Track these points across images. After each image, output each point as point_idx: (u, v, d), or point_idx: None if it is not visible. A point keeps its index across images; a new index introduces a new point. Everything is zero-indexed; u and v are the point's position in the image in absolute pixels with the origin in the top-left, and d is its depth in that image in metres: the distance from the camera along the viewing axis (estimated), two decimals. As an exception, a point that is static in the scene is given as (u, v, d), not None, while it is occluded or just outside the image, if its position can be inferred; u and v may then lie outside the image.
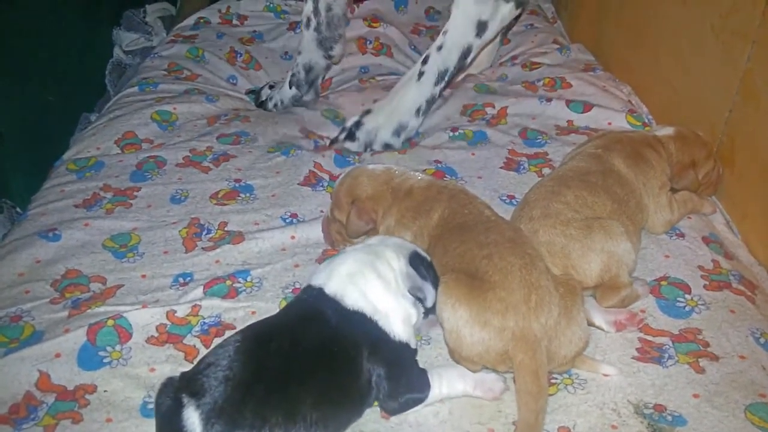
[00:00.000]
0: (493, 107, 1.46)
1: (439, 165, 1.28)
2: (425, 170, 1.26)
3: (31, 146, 1.45)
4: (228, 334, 0.94)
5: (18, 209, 1.35)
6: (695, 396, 0.84)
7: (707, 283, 1.01)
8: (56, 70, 1.60)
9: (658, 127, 1.22)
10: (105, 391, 0.88)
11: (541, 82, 1.52)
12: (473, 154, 1.31)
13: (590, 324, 0.93)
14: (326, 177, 1.27)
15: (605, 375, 0.87)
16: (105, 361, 0.91)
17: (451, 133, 1.38)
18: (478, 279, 0.85)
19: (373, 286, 0.85)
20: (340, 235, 1.06)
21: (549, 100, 1.44)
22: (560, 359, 0.84)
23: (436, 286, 0.88)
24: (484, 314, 0.82)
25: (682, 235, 1.10)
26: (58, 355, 0.91)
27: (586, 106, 1.40)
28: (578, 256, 0.94)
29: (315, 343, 0.80)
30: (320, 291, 0.85)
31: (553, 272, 0.90)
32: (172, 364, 0.91)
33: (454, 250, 0.90)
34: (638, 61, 1.51)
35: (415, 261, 0.89)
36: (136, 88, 1.58)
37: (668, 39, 1.44)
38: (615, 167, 1.08)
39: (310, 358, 0.78)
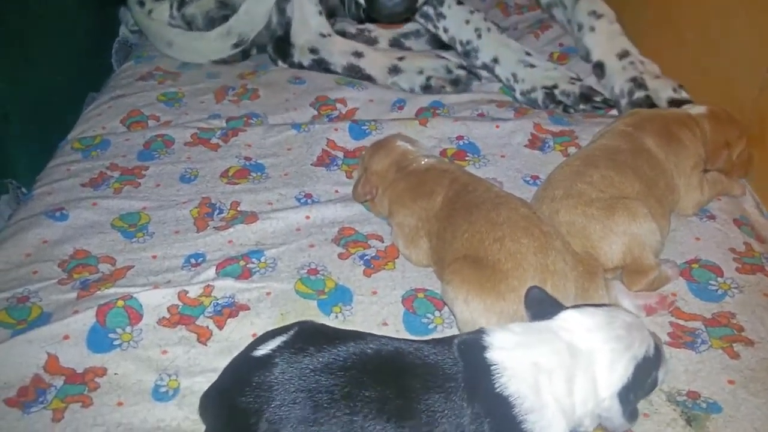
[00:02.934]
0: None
1: (461, 142, 1.24)
2: (446, 149, 1.22)
3: (36, 126, 1.41)
4: (242, 315, 0.92)
5: (23, 189, 1.32)
6: (730, 382, 0.81)
7: (739, 266, 0.97)
8: (62, 50, 1.55)
9: (690, 105, 1.17)
10: (115, 374, 0.84)
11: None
12: (497, 126, 1.26)
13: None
14: (341, 155, 1.23)
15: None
16: (115, 343, 0.88)
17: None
18: (489, 267, 0.81)
19: (549, 400, 0.66)
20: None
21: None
22: None
23: (634, 417, 0.71)
24: (499, 305, 0.80)
25: (713, 217, 1.06)
26: (66, 337, 0.87)
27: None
28: (599, 238, 0.90)
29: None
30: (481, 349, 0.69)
31: (572, 251, 0.86)
32: (185, 346, 0.88)
33: (462, 234, 0.87)
34: (664, 41, 1.45)
35: (629, 390, 0.69)
36: (132, 62, 1.56)
37: (695, 17, 1.39)
38: (645, 146, 1.04)
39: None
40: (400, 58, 1.45)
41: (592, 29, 1.44)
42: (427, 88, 1.41)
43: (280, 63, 1.54)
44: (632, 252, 0.90)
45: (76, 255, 1.02)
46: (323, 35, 1.50)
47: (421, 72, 1.43)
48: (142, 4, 1.62)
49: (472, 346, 0.69)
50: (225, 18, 1.59)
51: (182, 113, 1.38)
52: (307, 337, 0.71)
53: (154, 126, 1.33)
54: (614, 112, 1.32)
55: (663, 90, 1.29)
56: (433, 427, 0.65)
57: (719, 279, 0.95)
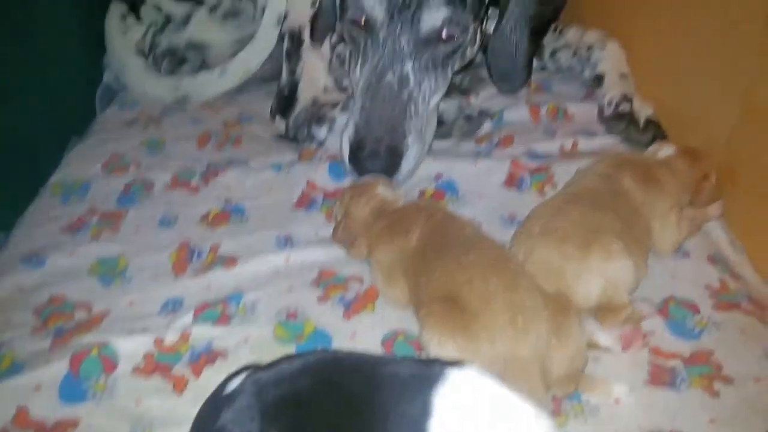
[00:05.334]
0: (500, 131, 1.42)
1: (440, 181, 1.24)
2: (425, 189, 1.23)
3: (17, 170, 1.41)
4: (219, 362, 0.90)
5: (2, 233, 1.31)
6: (712, 421, 0.80)
7: (716, 302, 0.98)
8: (44, 94, 1.56)
9: (656, 148, 1.18)
10: (88, 426, 0.83)
11: (545, 108, 1.48)
12: (475, 164, 1.27)
13: (597, 346, 0.89)
14: (320, 196, 1.23)
15: (616, 401, 0.83)
16: (89, 393, 0.86)
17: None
18: (460, 308, 0.82)
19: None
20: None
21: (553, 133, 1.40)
22: (558, 378, 0.80)
23: None
24: (472, 345, 0.79)
25: (687, 255, 1.07)
26: (38, 388, 0.86)
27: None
28: (574, 277, 0.90)
29: None
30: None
31: (543, 290, 0.86)
32: (160, 396, 0.86)
33: (437, 277, 0.87)
34: (639, 84, 1.49)
35: None
36: (116, 107, 1.58)
37: (670, 55, 1.42)
38: (624, 188, 1.05)
39: None
40: None
41: (603, 47, 1.52)
42: (438, 124, 1.38)
43: (277, 120, 1.51)
44: (607, 292, 0.90)
45: (52, 302, 1.01)
46: (327, 90, 1.51)
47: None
48: (124, 18, 1.65)
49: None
50: (182, 62, 1.65)
51: (164, 158, 1.38)
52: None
53: (135, 170, 1.33)
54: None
55: (644, 110, 1.36)
56: None
57: (696, 316, 0.95)
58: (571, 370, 0.81)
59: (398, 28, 1.19)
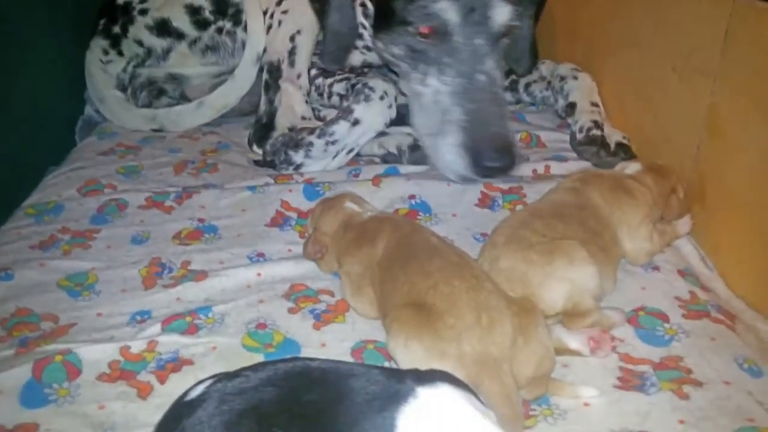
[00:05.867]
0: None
1: (413, 201, 1.26)
2: (399, 209, 1.24)
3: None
4: (185, 369, 0.89)
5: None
6: (681, 422, 0.80)
7: (685, 312, 0.98)
8: (24, 123, 1.57)
9: (623, 165, 1.21)
10: (48, 430, 0.80)
11: (519, 135, 1.51)
12: (449, 185, 1.29)
13: (566, 350, 0.89)
14: (294, 216, 1.24)
15: (586, 404, 0.83)
16: (51, 398, 0.84)
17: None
18: (425, 311, 0.82)
19: None
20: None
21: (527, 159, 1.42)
22: (525, 379, 0.79)
23: None
24: (438, 345, 0.79)
25: (658, 269, 1.08)
26: (-1, 393, 0.84)
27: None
28: (539, 284, 0.91)
29: None
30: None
31: (507, 294, 0.87)
32: (123, 401, 0.84)
33: (401, 286, 0.87)
34: (609, 111, 1.54)
35: None
36: (94, 137, 1.60)
37: (634, 85, 1.47)
38: (592, 201, 1.07)
39: None
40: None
41: (575, 78, 1.57)
42: (414, 149, 1.43)
43: (254, 148, 1.54)
44: (572, 297, 0.90)
45: (18, 313, 1.00)
46: (305, 118, 1.54)
47: (409, 134, 1.46)
48: (106, 52, 1.69)
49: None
50: (161, 93, 1.70)
51: (140, 182, 1.39)
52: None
53: (110, 193, 1.33)
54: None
55: (614, 135, 1.41)
56: None
57: (666, 325, 0.96)
58: (540, 372, 0.81)
59: (472, 30, 1.22)
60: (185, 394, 0.70)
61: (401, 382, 0.67)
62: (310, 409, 0.65)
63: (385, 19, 1.30)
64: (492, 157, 1.20)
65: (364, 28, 1.56)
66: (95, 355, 0.90)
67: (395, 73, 1.44)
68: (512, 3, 1.24)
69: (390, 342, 0.83)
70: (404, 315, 0.83)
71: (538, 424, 0.80)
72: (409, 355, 0.80)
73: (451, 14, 1.21)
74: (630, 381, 0.86)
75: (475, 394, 0.70)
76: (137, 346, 0.92)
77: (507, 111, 1.26)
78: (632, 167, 1.17)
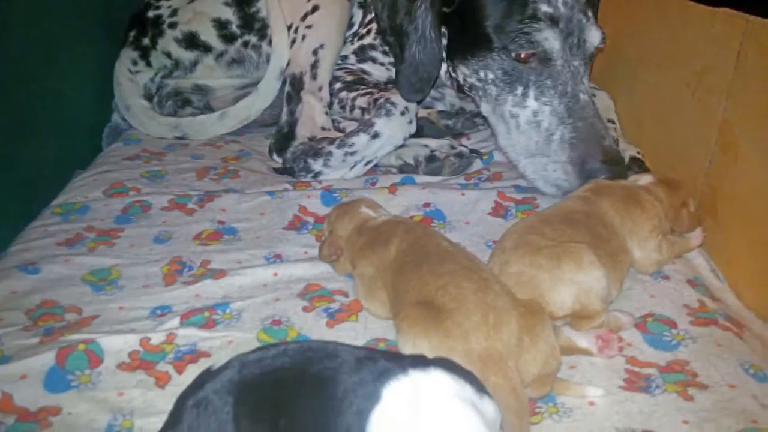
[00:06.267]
0: (489, 170, 1.49)
1: (428, 209, 1.29)
2: (413, 216, 1.26)
3: (21, 197, 1.45)
4: (202, 361, 0.92)
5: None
6: (685, 422, 0.81)
7: (693, 319, 1.00)
8: (54, 129, 1.63)
9: (636, 177, 1.23)
10: (69, 413, 0.84)
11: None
12: (463, 194, 1.32)
13: (575, 349, 0.91)
14: (311, 220, 1.27)
15: (591, 403, 0.84)
16: (72, 384, 0.88)
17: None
18: (434, 310, 0.84)
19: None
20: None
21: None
22: (530, 377, 0.81)
23: None
24: (446, 342, 0.81)
25: (667, 278, 1.10)
26: (24, 377, 0.88)
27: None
28: (548, 288, 0.93)
29: None
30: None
31: (514, 295, 0.89)
32: (142, 389, 0.88)
33: (413, 288, 0.90)
34: (625, 127, 1.56)
35: None
36: (120, 143, 1.65)
37: (649, 103, 1.50)
38: (602, 210, 1.08)
39: None
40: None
41: (594, 96, 1.57)
42: (431, 159, 1.47)
43: (275, 156, 1.58)
44: (580, 300, 0.92)
45: (44, 305, 1.04)
46: (324, 129, 1.57)
47: (426, 146, 1.50)
48: (135, 63, 1.76)
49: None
50: (187, 103, 1.75)
51: (163, 186, 1.43)
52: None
53: (134, 195, 1.38)
54: None
55: (629, 150, 1.43)
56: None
57: (673, 331, 0.97)
58: (545, 370, 0.82)
59: (571, 53, 1.29)
60: (209, 367, 0.74)
61: (398, 363, 0.70)
62: (316, 377, 0.69)
63: (475, 46, 1.35)
64: (604, 170, 1.25)
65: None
66: (116, 345, 0.94)
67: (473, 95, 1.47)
68: (599, 27, 1.32)
69: (400, 339, 0.85)
70: (414, 313, 0.85)
71: (543, 421, 0.82)
72: (416, 351, 0.82)
73: (553, 42, 1.28)
74: (636, 382, 0.87)
75: (478, 383, 0.72)
76: (157, 338, 0.95)
77: (607, 127, 1.32)
78: (644, 179, 1.19)
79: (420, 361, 0.72)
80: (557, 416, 0.83)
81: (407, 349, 0.83)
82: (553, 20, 1.26)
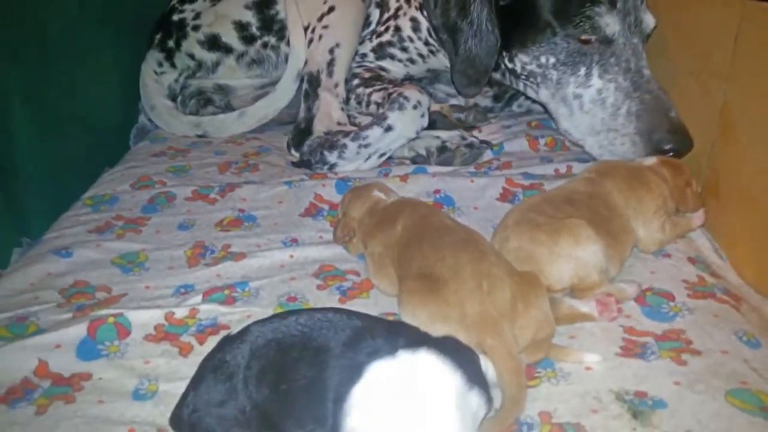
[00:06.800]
0: (499, 160, 1.54)
1: (438, 195, 1.34)
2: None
3: (53, 191, 1.53)
4: (222, 333, 0.97)
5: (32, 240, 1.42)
6: (676, 383, 0.85)
7: (691, 293, 1.03)
8: (86, 127, 1.71)
9: (640, 159, 1.27)
10: (100, 378, 0.91)
11: (543, 140, 1.59)
12: (472, 181, 1.37)
13: (577, 315, 0.95)
14: (326, 207, 1.33)
15: (588, 368, 0.89)
16: (103, 353, 0.95)
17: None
18: (432, 280, 0.89)
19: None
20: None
21: (550, 160, 1.51)
22: (525, 342, 0.86)
23: None
24: (442, 309, 0.86)
25: (669, 256, 1.13)
26: (58, 346, 0.95)
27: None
28: (546, 262, 0.97)
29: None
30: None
31: (511, 266, 0.94)
32: (167, 358, 0.94)
33: (415, 261, 0.95)
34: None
35: None
36: (147, 142, 1.74)
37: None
38: (605, 190, 1.12)
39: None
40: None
41: None
42: (442, 150, 1.53)
43: (293, 151, 1.64)
44: (577, 273, 0.96)
45: (76, 284, 1.11)
46: (340, 124, 1.64)
47: (437, 137, 1.56)
48: (160, 64, 1.84)
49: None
50: (209, 102, 1.83)
51: (187, 180, 1.51)
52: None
53: (160, 187, 1.45)
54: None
55: None
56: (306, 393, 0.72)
57: (671, 303, 1.01)
58: (539, 336, 0.87)
59: (630, 31, 1.35)
60: (229, 332, 0.82)
61: (391, 343, 0.74)
62: (316, 348, 0.75)
63: (535, 33, 1.40)
64: (671, 140, 1.31)
65: (411, 41, 1.71)
66: (143, 318, 1.00)
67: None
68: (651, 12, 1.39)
69: (401, 311, 0.91)
70: (413, 285, 0.91)
71: (541, 384, 0.86)
72: (416, 321, 0.87)
73: (614, 24, 1.33)
74: (632, 349, 0.91)
75: (474, 370, 0.76)
76: (180, 313, 1.02)
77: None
78: (649, 160, 1.22)
79: (415, 342, 0.75)
80: (555, 380, 0.87)
81: (407, 319, 0.89)
82: (611, 2, 1.32)
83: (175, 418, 0.77)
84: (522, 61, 1.46)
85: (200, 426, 0.73)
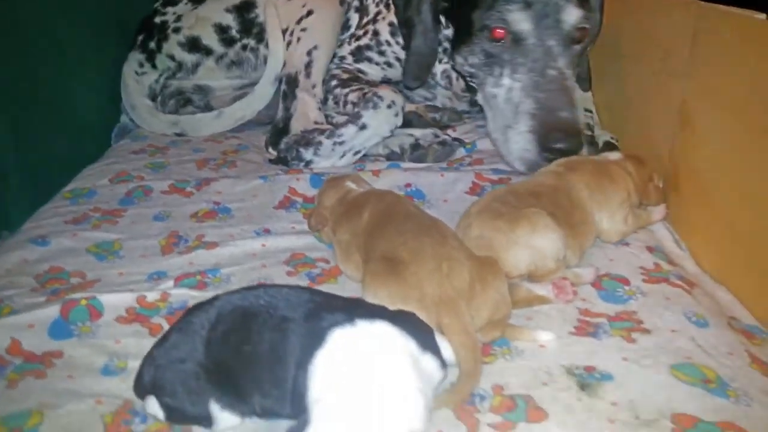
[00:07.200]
0: (471, 157, 1.58)
1: (409, 189, 1.38)
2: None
3: (33, 186, 1.56)
4: (192, 316, 1.01)
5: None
6: (624, 359, 0.89)
7: (646, 278, 1.07)
8: (65, 125, 1.74)
9: (605, 154, 1.31)
10: (71, 356, 0.93)
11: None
12: (442, 175, 1.42)
13: (534, 298, 0.99)
14: (300, 200, 1.37)
15: (541, 346, 0.92)
16: (74, 333, 0.97)
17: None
18: (394, 262, 0.93)
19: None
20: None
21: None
22: (482, 321, 0.90)
23: None
24: (402, 290, 0.90)
25: (627, 245, 1.17)
26: (31, 326, 0.97)
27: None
28: (504, 249, 1.01)
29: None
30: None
31: (470, 251, 0.97)
32: (137, 338, 0.97)
33: (379, 246, 0.99)
34: (599, 116, 1.65)
35: None
36: (128, 140, 1.78)
37: (621, 92, 1.59)
38: (570, 184, 1.16)
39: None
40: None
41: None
42: (416, 147, 1.57)
43: (270, 150, 1.67)
44: (534, 261, 1.01)
45: (51, 271, 1.14)
46: (317, 123, 1.67)
47: (411, 135, 1.60)
48: (141, 65, 1.89)
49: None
50: (188, 102, 1.88)
51: (165, 174, 1.54)
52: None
53: (138, 182, 1.48)
54: None
55: (603, 136, 1.53)
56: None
57: (626, 287, 1.05)
58: (496, 316, 0.91)
59: (545, 33, 1.37)
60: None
61: (350, 313, 0.78)
62: (281, 318, 0.78)
63: (466, 32, 1.44)
64: (559, 139, 1.32)
65: (389, 45, 1.77)
66: (115, 301, 1.03)
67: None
68: (582, 8, 1.38)
69: (364, 291, 0.95)
70: (376, 267, 0.95)
71: (496, 361, 0.90)
72: (377, 301, 0.90)
73: (523, 22, 1.36)
74: (585, 329, 0.95)
75: (428, 340, 0.80)
76: (152, 296, 1.05)
77: (575, 100, 1.38)
78: (614, 155, 1.27)
79: (372, 314, 0.79)
80: (509, 356, 0.91)
81: (370, 299, 0.92)
82: (526, 2, 1.35)
83: (138, 379, 0.80)
84: (458, 62, 1.51)
85: (161, 381, 0.76)
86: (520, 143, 1.36)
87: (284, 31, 1.80)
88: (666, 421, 0.78)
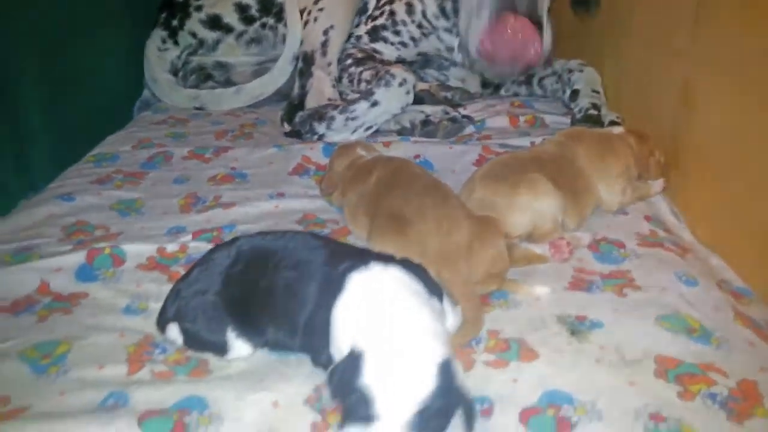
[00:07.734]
0: (479, 133, 1.63)
1: (418, 160, 1.44)
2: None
3: (59, 151, 1.63)
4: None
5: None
6: (614, 311, 0.94)
7: (641, 242, 1.12)
8: (94, 97, 1.81)
9: (609, 128, 1.36)
10: (95, 297, 1.00)
11: (523, 118, 1.69)
12: (450, 147, 1.47)
13: (532, 257, 1.05)
14: (313, 168, 1.43)
15: (537, 299, 0.97)
16: (99, 277, 1.04)
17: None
18: (398, 220, 0.99)
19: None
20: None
21: (527, 134, 1.59)
22: (480, 275, 0.95)
23: None
24: (405, 246, 0.95)
25: (626, 213, 1.22)
26: (58, 270, 1.04)
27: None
28: (505, 211, 1.07)
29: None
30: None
31: (470, 211, 1.03)
32: (157, 283, 1.03)
33: (385, 205, 1.05)
34: (606, 97, 1.70)
35: None
36: (150, 112, 1.86)
37: (626, 71, 1.63)
38: (572, 154, 1.21)
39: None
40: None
41: (581, 71, 1.77)
42: (426, 123, 1.62)
43: (285, 125, 1.72)
44: (533, 222, 1.06)
45: (77, 224, 1.21)
46: (331, 100, 1.72)
47: (421, 111, 1.66)
48: (164, 41, 1.95)
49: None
50: (209, 78, 1.94)
51: (185, 143, 1.61)
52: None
53: (159, 148, 1.55)
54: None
55: (609, 115, 1.58)
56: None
57: (621, 250, 1.10)
58: (493, 270, 0.96)
59: None
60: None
61: (364, 259, 0.84)
62: (298, 260, 0.84)
63: None
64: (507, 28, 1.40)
65: (404, 24, 1.82)
66: (137, 251, 1.10)
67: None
68: None
69: (371, 246, 1.00)
70: (382, 223, 1.01)
71: (494, 311, 0.95)
72: None
73: None
74: (579, 285, 1.00)
75: (435, 286, 0.85)
76: (171, 248, 1.11)
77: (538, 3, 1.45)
78: (617, 129, 1.32)
79: (383, 259, 0.85)
80: (506, 307, 0.96)
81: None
82: None
83: (162, 312, 0.86)
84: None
85: (184, 309, 0.83)
86: (479, 29, 1.43)
87: (302, 11, 1.86)
88: (650, 361, 0.83)
